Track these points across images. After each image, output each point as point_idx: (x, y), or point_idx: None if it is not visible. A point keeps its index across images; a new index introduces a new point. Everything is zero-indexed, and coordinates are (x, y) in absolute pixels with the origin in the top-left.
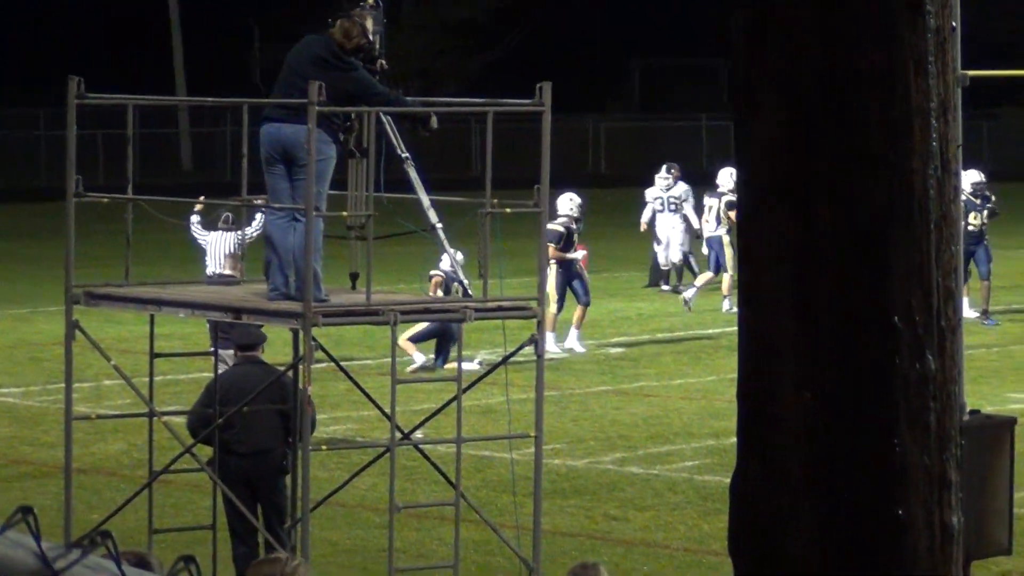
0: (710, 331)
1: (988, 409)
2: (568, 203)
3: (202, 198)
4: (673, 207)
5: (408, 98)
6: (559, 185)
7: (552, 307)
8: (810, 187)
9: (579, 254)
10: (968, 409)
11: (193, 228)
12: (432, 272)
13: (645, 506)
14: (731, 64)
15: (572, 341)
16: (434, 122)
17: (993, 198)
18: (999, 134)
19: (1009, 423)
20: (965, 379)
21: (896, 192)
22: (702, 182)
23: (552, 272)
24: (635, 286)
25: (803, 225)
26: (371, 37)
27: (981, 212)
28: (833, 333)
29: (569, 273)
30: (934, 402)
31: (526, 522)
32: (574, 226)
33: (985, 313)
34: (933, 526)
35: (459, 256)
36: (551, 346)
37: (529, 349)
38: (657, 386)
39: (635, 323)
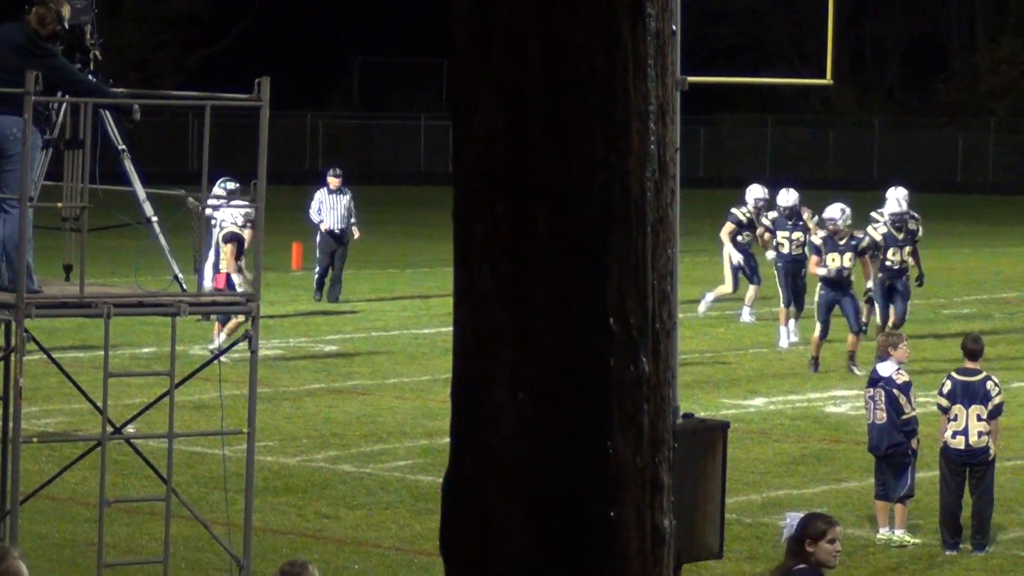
0: (425, 331)
1: (702, 414)
2: None
3: None
4: None
5: (118, 89)
6: (277, 180)
7: None
8: (528, 186)
9: None
10: (682, 413)
11: None
12: None
13: (357, 504)
14: (451, 62)
15: None
16: (137, 114)
17: (919, 230)
18: (716, 140)
19: (722, 427)
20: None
21: (614, 194)
22: (418, 181)
23: None
24: (355, 281)
25: (520, 224)
26: (66, 24)
27: (902, 248)
28: (548, 333)
29: None
30: (647, 404)
31: (237, 519)
32: None
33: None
34: (644, 528)
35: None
36: None
37: (243, 344)
38: (371, 385)
39: (350, 321)
